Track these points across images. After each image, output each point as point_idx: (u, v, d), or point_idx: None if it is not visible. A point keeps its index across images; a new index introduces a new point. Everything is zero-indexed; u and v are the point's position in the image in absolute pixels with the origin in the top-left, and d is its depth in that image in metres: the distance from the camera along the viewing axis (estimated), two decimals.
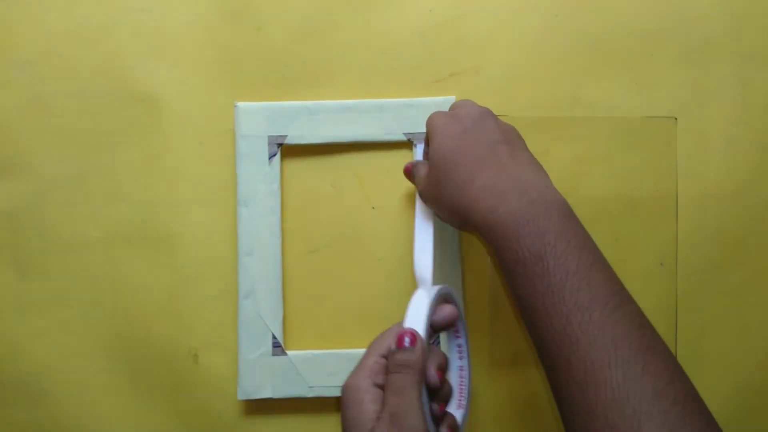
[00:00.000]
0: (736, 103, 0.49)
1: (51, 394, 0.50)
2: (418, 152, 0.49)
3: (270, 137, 0.49)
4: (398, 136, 0.49)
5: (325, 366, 0.48)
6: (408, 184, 0.49)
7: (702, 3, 0.49)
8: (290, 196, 0.50)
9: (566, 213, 0.37)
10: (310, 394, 0.48)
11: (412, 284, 0.49)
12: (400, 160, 0.49)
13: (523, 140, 0.42)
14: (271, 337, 0.48)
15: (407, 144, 0.49)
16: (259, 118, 0.49)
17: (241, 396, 0.48)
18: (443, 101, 0.49)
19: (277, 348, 0.48)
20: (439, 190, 0.41)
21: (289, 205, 0.50)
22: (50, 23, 0.50)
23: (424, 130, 0.47)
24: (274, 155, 0.49)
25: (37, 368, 0.50)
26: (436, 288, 0.41)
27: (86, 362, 0.50)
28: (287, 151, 0.49)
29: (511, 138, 0.41)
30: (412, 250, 0.44)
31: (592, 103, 0.49)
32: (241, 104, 0.49)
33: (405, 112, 0.49)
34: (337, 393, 0.48)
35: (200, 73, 0.50)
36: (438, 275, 0.46)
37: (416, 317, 0.38)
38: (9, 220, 0.50)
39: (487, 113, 0.42)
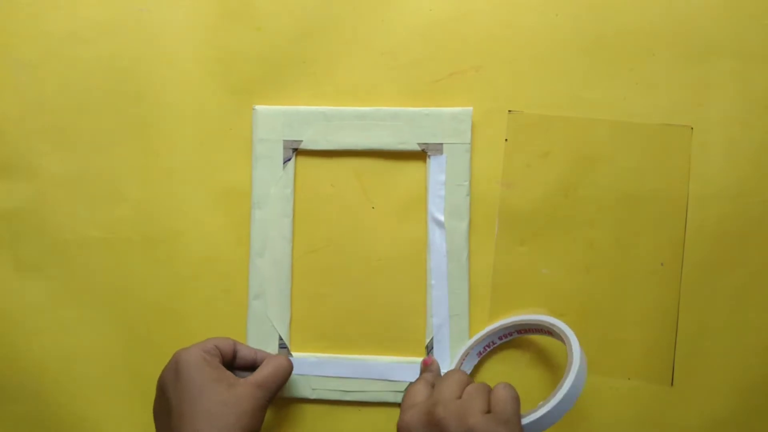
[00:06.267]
0: (736, 103, 0.49)
1: (51, 393, 0.50)
2: (432, 164, 0.48)
3: (285, 141, 0.49)
4: (412, 145, 0.49)
5: (328, 370, 0.49)
6: (407, 183, 0.49)
7: (702, 3, 0.49)
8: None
9: None
10: (313, 396, 0.49)
11: (412, 284, 0.49)
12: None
13: None
14: (278, 339, 0.49)
15: (421, 154, 0.49)
16: (276, 122, 0.49)
17: None
18: (460, 112, 0.48)
19: (284, 349, 0.49)
20: None
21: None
22: (50, 24, 0.50)
23: (438, 141, 0.48)
24: (289, 160, 0.49)
25: (37, 368, 0.50)
26: None
27: (86, 362, 0.50)
28: (300, 154, 0.50)
29: None
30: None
31: (593, 102, 0.49)
32: (259, 107, 0.49)
33: (420, 122, 0.49)
34: (337, 396, 0.49)
35: (200, 73, 0.50)
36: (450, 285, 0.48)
37: None
38: (9, 219, 0.50)
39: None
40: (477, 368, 0.49)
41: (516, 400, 0.39)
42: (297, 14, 0.50)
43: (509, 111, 0.49)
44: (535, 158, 0.49)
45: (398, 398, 0.48)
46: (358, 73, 0.50)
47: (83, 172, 0.50)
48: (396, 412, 0.48)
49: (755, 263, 0.49)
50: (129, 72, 0.50)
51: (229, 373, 0.43)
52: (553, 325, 0.45)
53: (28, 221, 0.50)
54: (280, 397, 0.49)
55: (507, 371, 0.49)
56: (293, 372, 0.47)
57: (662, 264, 0.49)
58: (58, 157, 0.50)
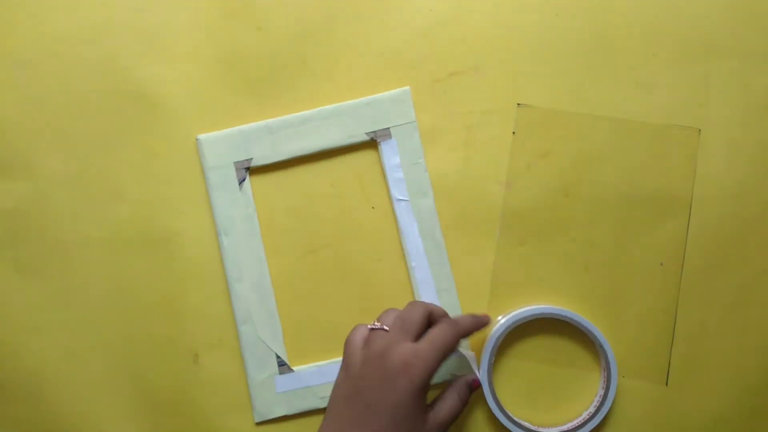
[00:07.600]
0: (736, 104, 0.49)
1: (51, 393, 0.50)
2: (384, 149, 0.49)
3: (236, 163, 0.49)
4: (361, 137, 0.49)
5: (332, 375, 0.48)
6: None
7: (702, 3, 0.49)
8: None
9: None
10: (323, 405, 0.48)
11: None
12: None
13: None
14: (275, 358, 0.48)
15: (372, 143, 0.49)
16: (223, 146, 0.49)
17: (258, 419, 0.48)
18: (399, 93, 0.49)
19: (283, 366, 0.48)
20: None
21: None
22: (50, 23, 0.50)
23: (385, 126, 0.49)
24: (244, 180, 0.49)
25: (37, 368, 0.50)
26: None
27: (86, 362, 0.50)
28: (257, 170, 0.49)
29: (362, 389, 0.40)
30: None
31: (593, 102, 0.49)
32: (202, 136, 0.49)
33: (364, 112, 0.49)
34: None
35: (200, 73, 0.50)
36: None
37: None
38: (9, 220, 0.50)
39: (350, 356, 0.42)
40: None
41: (443, 343, 0.40)
42: (297, 14, 0.50)
43: (518, 104, 0.49)
44: (535, 158, 0.49)
45: None
46: (358, 73, 0.50)
47: (83, 172, 0.50)
48: None
49: (755, 263, 0.49)
50: (129, 72, 0.50)
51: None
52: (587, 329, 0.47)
53: (28, 221, 0.50)
54: (290, 413, 0.48)
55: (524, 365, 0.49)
56: (299, 386, 0.48)
57: (662, 264, 0.49)
58: (58, 157, 0.50)
